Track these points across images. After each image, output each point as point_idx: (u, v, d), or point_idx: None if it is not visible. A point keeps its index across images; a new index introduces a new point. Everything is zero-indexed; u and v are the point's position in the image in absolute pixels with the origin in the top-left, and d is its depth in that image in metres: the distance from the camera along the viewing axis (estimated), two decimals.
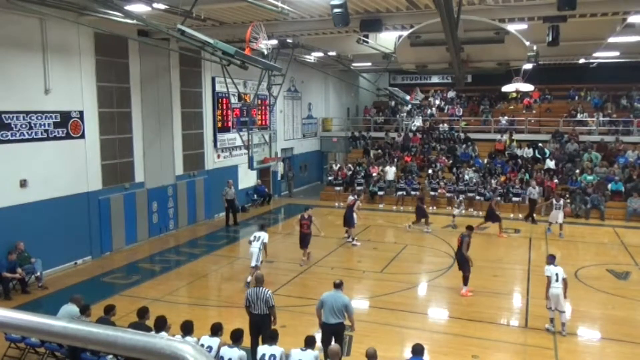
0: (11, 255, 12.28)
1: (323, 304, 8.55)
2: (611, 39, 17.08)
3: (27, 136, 13.09)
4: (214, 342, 7.40)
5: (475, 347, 9.64)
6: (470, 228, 12.95)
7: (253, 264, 12.54)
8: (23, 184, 13.06)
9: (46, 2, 11.52)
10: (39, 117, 13.40)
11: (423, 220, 18.63)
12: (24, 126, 13.00)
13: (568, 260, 15.39)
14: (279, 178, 25.77)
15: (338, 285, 8.80)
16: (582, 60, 24.84)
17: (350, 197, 17.95)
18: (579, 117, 26.84)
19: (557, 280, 10.08)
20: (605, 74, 27.74)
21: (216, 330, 7.60)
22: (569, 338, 10.18)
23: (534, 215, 20.04)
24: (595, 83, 29.40)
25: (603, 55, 22.04)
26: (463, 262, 12.29)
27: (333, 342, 8.02)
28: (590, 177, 21.98)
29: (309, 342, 7.39)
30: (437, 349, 9.48)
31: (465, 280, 12.31)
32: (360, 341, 9.45)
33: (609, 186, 21.50)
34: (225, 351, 7.14)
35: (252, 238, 12.92)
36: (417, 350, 7.29)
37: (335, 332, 8.39)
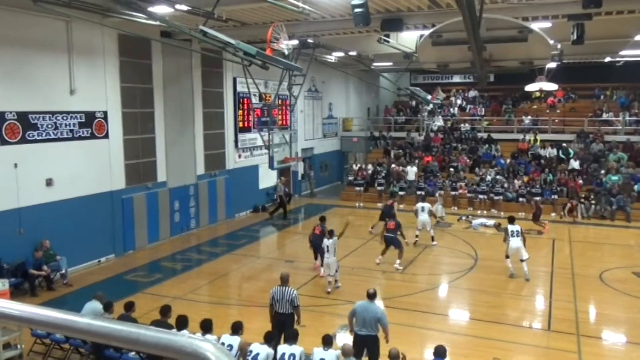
0: (37, 252, 12.53)
1: (355, 313, 8.23)
2: (638, 37, 16.73)
3: (52, 136, 13.34)
4: (235, 340, 7.45)
5: (496, 349, 9.52)
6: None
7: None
8: (49, 183, 13.32)
9: (72, 5, 11.73)
10: (65, 117, 13.64)
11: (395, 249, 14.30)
12: (49, 126, 13.26)
13: (593, 262, 15.13)
14: (299, 178, 25.81)
15: (372, 296, 8.29)
16: (607, 59, 24.33)
17: (427, 206, 16.73)
18: (605, 116, 26.31)
19: (517, 236, 12.93)
20: (632, 73, 27.10)
21: (237, 329, 7.64)
22: (594, 342, 10.02)
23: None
24: (621, 82, 28.79)
25: (630, 54, 21.56)
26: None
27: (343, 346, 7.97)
28: (615, 178, 21.55)
29: (328, 342, 7.38)
30: (457, 351, 9.39)
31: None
32: (381, 342, 9.41)
33: (635, 187, 21.06)
34: (255, 347, 7.27)
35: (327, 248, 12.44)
36: (440, 352, 7.23)
37: (366, 344, 8.06)
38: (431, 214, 16.76)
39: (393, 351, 7.19)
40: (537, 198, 21.10)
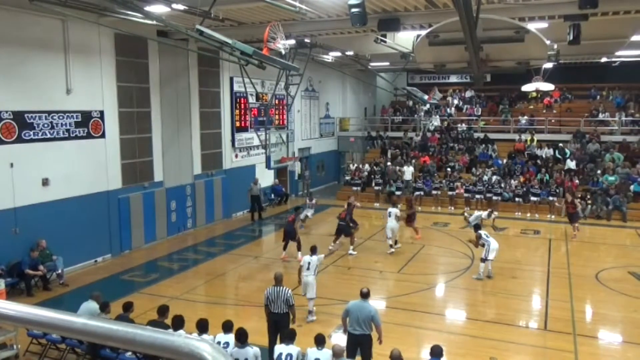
0: (33, 252, 12.49)
1: (348, 313, 8.23)
2: (634, 37, 16.79)
3: (49, 135, 13.30)
4: (230, 338, 7.48)
5: (493, 349, 9.54)
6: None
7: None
8: (45, 182, 13.28)
9: (68, 4, 11.70)
10: (61, 117, 13.61)
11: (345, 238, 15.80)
12: (46, 125, 13.22)
13: (589, 262, 15.17)
14: (296, 178, 25.80)
15: (365, 295, 8.32)
16: (604, 59, 24.41)
17: (395, 211, 15.87)
18: (601, 116, 26.39)
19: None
20: (627, 73, 27.19)
21: (228, 327, 7.66)
22: (590, 341, 10.04)
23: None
24: (617, 82, 28.89)
25: (625, 54, 21.64)
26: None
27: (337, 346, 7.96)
28: (612, 178, 21.61)
29: (320, 341, 7.37)
30: (454, 351, 9.41)
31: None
32: (373, 343, 9.42)
33: (632, 187, 21.13)
34: (238, 353, 7.08)
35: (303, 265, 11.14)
36: (436, 352, 7.24)
37: (359, 344, 8.10)
38: (398, 219, 15.83)
39: (395, 352, 7.19)
40: (418, 193, 22.66)
